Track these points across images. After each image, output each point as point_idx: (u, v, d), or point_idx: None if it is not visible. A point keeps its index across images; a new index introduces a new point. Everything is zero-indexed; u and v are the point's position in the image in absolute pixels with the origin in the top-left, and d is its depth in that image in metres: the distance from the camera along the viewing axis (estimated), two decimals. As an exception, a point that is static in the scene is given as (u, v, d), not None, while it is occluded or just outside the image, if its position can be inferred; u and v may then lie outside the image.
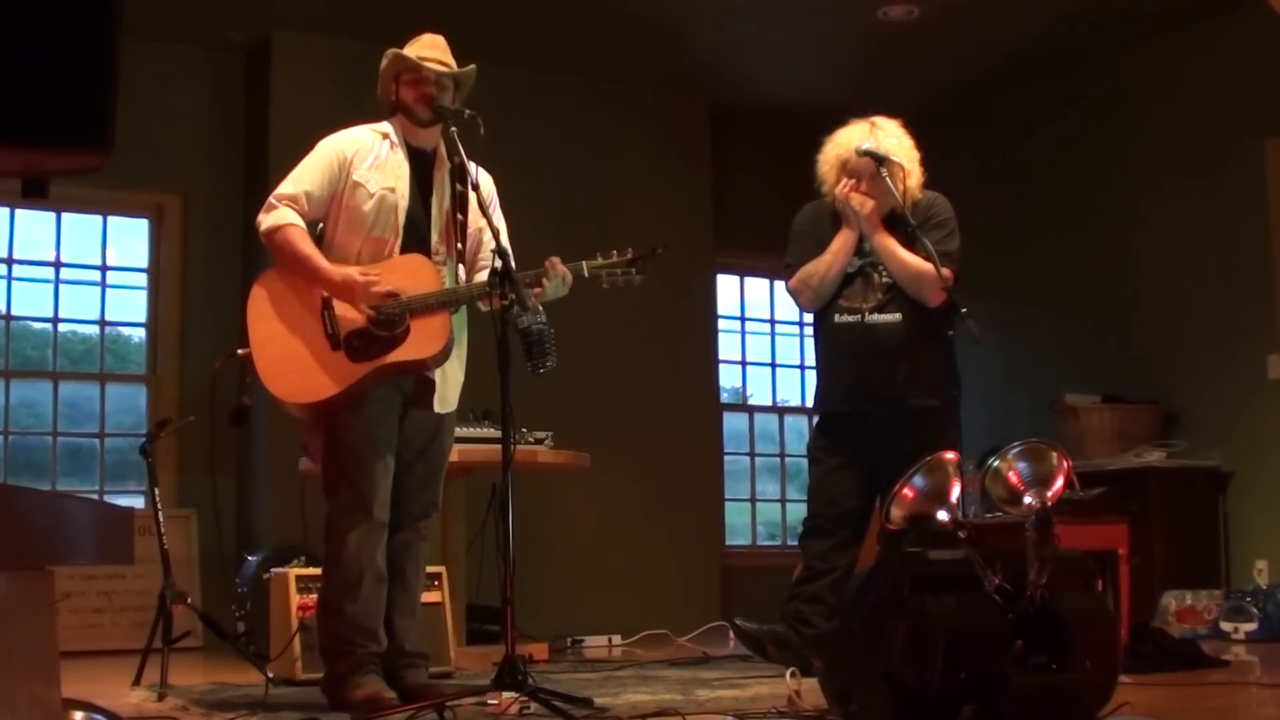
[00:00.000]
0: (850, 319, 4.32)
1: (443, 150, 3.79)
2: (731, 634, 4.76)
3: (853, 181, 4.32)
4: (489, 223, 3.59)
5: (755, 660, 4.54)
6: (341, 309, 3.60)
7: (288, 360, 3.60)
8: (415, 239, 3.70)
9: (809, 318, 4.63)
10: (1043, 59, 7.08)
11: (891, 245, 4.28)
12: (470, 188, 3.66)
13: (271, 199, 3.69)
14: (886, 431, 4.24)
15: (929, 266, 4.16)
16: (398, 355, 3.58)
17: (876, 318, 4.29)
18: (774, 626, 4.32)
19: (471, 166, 3.65)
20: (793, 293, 4.48)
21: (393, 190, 3.68)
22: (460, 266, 3.77)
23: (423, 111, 3.71)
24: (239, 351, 3.81)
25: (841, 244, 4.35)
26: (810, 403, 6.56)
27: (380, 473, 3.61)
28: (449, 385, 3.78)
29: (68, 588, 5.73)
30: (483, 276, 3.72)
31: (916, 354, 4.25)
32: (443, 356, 3.63)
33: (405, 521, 3.72)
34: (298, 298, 3.63)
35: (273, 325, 3.63)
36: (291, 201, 3.66)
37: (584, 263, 3.71)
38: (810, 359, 8.25)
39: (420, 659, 3.80)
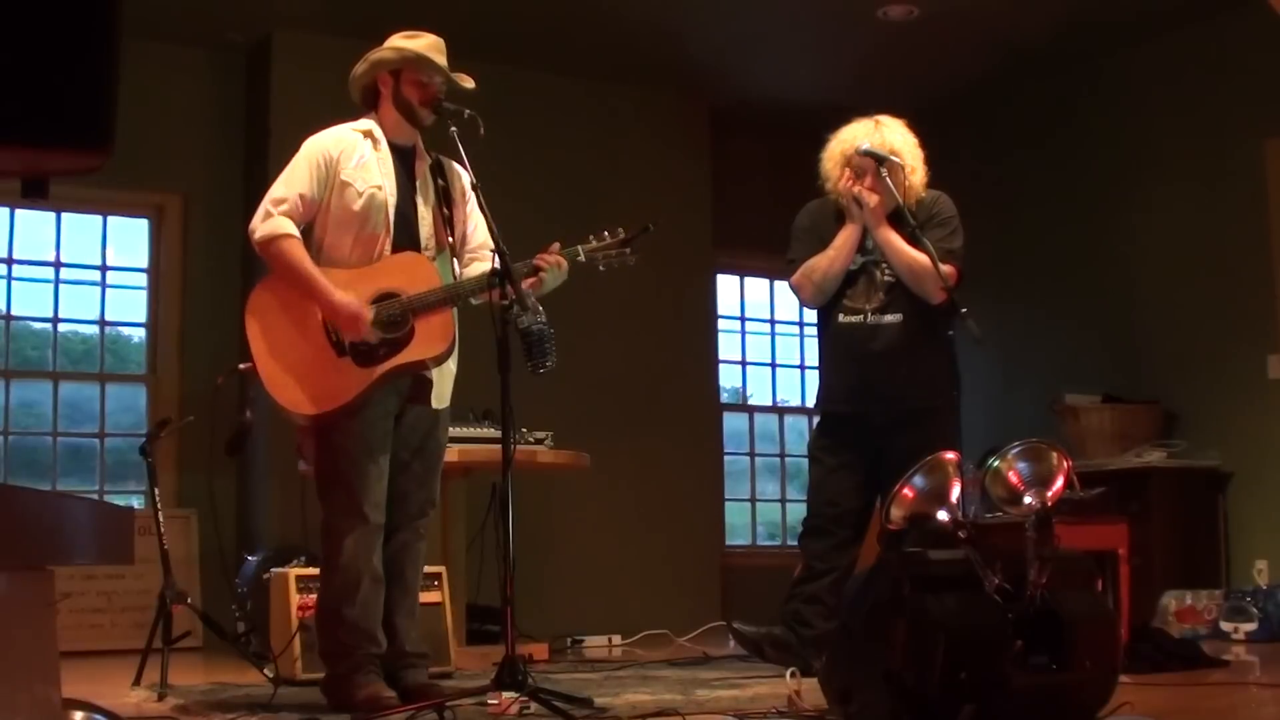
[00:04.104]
0: (854, 319, 4.33)
1: (421, 145, 3.79)
2: (730, 637, 4.76)
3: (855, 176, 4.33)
4: (487, 223, 3.58)
5: (755, 660, 4.54)
6: None
7: (294, 370, 3.57)
8: (406, 236, 3.69)
9: (810, 317, 4.63)
10: (1043, 59, 7.08)
11: (894, 240, 4.28)
12: (471, 188, 3.66)
13: (265, 206, 3.64)
14: (887, 432, 4.24)
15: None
16: (406, 356, 3.57)
17: (879, 319, 4.29)
18: (771, 628, 4.32)
19: (456, 164, 3.65)
20: (795, 288, 4.47)
21: (380, 188, 3.66)
22: (455, 261, 3.76)
23: (427, 114, 3.70)
24: (240, 366, 3.77)
25: (845, 239, 4.34)
26: (810, 403, 6.56)
27: (374, 475, 3.60)
28: (444, 381, 3.78)
29: (68, 588, 5.71)
30: (474, 269, 3.72)
31: (917, 354, 4.25)
32: (448, 354, 3.63)
33: (404, 522, 3.72)
34: (297, 307, 3.60)
35: (274, 336, 3.59)
36: (285, 207, 3.63)
37: (579, 247, 3.72)
38: (810, 359, 8.26)
39: (420, 659, 3.79)
